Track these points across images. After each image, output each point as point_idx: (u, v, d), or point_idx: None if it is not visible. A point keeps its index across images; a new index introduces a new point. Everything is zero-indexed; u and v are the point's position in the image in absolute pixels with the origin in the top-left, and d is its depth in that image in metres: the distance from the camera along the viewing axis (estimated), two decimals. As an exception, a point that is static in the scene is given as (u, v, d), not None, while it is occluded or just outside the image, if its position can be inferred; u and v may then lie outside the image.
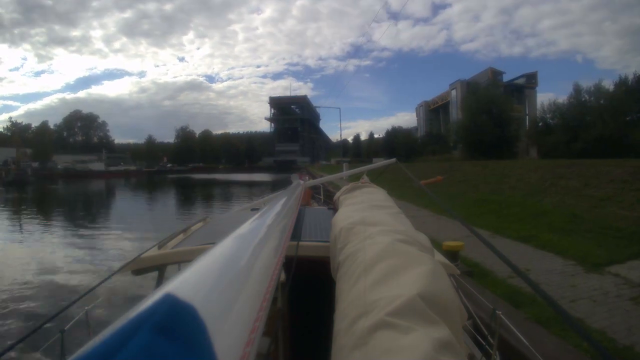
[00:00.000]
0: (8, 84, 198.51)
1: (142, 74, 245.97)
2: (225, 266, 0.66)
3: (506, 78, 67.61)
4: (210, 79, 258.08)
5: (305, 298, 2.29)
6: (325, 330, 1.19)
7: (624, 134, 22.04)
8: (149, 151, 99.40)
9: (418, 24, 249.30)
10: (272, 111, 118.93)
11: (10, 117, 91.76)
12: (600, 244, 7.02)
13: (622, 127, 22.59)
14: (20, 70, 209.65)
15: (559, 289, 4.99)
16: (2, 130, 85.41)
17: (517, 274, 1.12)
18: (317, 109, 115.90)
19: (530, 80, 67.80)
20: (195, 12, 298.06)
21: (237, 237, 0.85)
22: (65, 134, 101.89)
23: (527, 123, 44.08)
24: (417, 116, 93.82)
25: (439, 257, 1.80)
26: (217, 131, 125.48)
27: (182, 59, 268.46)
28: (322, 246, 1.96)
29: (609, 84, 26.93)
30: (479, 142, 29.12)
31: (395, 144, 58.57)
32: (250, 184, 44.66)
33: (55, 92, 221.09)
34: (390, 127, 73.63)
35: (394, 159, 4.29)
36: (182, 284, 0.51)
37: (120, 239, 12.95)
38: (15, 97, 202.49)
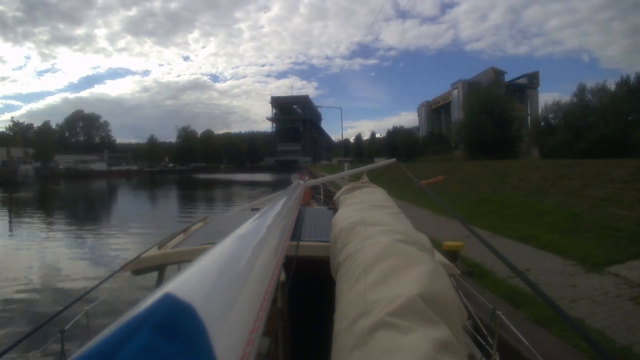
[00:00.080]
0: (11, 83, 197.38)
1: (145, 73, 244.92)
2: (225, 266, 0.66)
3: (508, 78, 67.66)
4: (214, 78, 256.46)
5: (305, 298, 2.29)
6: (325, 330, 1.19)
7: (626, 133, 22.01)
8: (151, 151, 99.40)
9: (425, 23, 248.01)
10: (274, 111, 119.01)
11: (12, 117, 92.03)
12: (601, 244, 7.01)
13: (624, 127, 22.56)
14: (24, 70, 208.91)
15: (559, 289, 4.99)
16: (4, 130, 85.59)
17: (517, 274, 1.12)
18: (319, 109, 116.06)
19: (532, 80, 67.83)
20: (201, 10, 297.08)
21: (237, 237, 0.85)
22: (67, 134, 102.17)
23: (528, 123, 44.10)
24: (418, 116, 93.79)
25: (439, 257, 1.80)
26: (220, 131, 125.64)
27: (186, 58, 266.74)
28: (322, 246, 1.97)
29: (611, 84, 26.98)
30: (481, 142, 29.06)
31: (397, 143, 58.59)
32: (252, 184, 44.68)
33: (58, 91, 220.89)
34: (392, 127, 73.74)
35: (394, 159, 4.28)
36: (182, 284, 0.52)
37: (121, 239, 12.97)
38: (17, 97, 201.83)
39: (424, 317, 0.75)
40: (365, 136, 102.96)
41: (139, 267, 2.06)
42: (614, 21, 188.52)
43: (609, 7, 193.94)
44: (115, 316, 0.41)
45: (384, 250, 1.08)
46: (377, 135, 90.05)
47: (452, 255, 5.29)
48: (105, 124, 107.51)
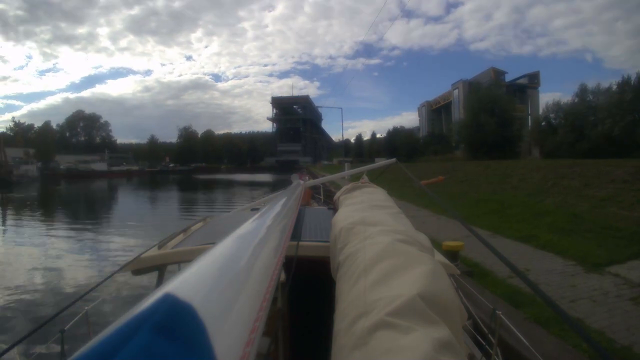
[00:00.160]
0: (12, 82, 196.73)
1: (147, 73, 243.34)
2: (225, 266, 0.66)
3: (508, 78, 67.59)
4: (217, 77, 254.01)
5: (305, 298, 2.29)
6: (325, 330, 1.19)
7: (627, 133, 22.00)
8: (152, 151, 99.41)
9: (430, 23, 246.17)
10: (274, 111, 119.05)
11: (13, 117, 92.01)
12: (601, 244, 7.01)
13: (625, 126, 22.55)
14: (25, 69, 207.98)
15: (559, 289, 4.99)
16: (5, 130, 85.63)
17: (516, 274, 1.12)
18: (320, 109, 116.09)
19: (533, 80, 67.75)
20: (205, 9, 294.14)
21: (237, 237, 0.85)
22: (67, 134, 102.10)
23: (529, 123, 44.07)
24: (419, 116, 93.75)
25: (439, 257, 1.80)
26: (221, 131, 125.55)
27: (189, 58, 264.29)
28: (322, 246, 1.96)
29: (613, 84, 26.94)
30: (481, 142, 29.07)
31: (397, 143, 58.58)
32: (252, 184, 44.70)
33: (59, 91, 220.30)
34: (393, 127, 73.76)
35: (394, 159, 4.28)
36: (182, 284, 0.52)
37: (121, 239, 12.98)
38: (18, 97, 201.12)
39: (424, 317, 0.75)
40: (366, 136, 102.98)
41: (139, 267, 2.06)
42: (617, 21, 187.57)
43: (613, 8, 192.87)
44: (115, 316, 0.41)
45: (384, 250, 1.08)
46: (378, 136, 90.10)
47: (452, 255, 5.29)
48: (106, 124, 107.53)
